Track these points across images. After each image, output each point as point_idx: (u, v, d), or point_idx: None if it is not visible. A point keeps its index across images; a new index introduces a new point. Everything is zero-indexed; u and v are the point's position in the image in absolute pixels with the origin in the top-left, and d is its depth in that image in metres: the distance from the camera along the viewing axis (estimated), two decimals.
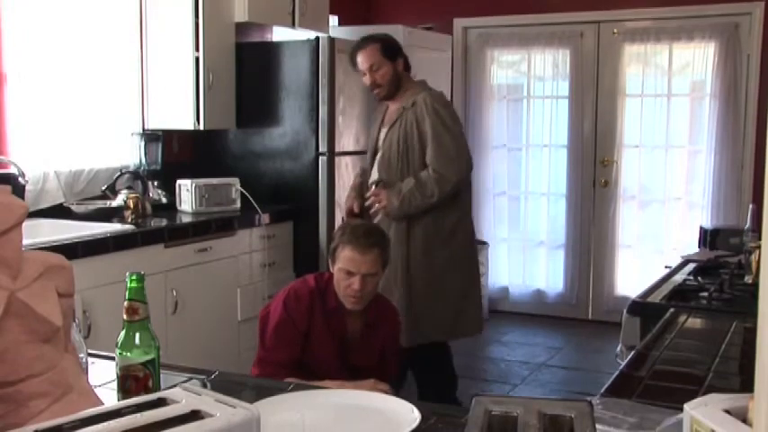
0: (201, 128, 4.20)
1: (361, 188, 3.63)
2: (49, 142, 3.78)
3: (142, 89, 4.24)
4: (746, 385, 1.40)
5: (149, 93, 4.24)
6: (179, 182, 4.05)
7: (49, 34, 3.74)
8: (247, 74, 4.41)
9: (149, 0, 4.18)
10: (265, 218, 4.08)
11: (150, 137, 4.20)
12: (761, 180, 4.93)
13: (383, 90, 3.51)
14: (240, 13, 4.31)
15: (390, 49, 3.50)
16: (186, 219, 3.87)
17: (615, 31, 5.70)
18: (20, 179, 3.39)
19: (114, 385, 1.39)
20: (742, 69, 5.38)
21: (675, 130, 5.60)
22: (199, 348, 3.67)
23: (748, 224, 3.23)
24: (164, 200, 4.14)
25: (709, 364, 1.84)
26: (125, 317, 1.36)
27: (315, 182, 4.30)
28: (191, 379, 1.65)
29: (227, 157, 4.52)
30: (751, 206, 3.34)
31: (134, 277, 1.35)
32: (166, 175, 4.17)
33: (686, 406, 1.12)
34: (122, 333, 1.37)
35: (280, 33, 4.80)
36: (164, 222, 3.72)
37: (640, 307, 2.52)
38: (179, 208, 4.04)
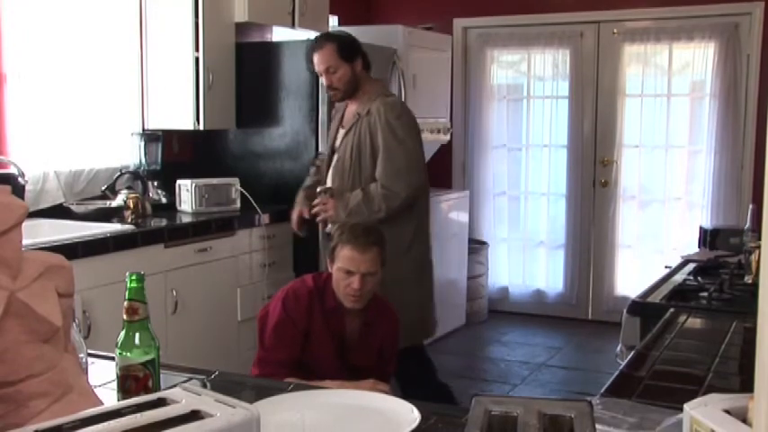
0: (201, 128, 4.19)
1: (312, 192, 3.54)
2: (49, 142, 3.78)
3: (142, 89, 4.24)
4: (746, 385, 1.40)
5: (149, 93, 4.24)
6: (179, 182, 4.05)
7: (49, 34, 3.74)
8: (247, 74, 4.41)
9: (149, 0, 4.18)
10: (265, 218, 4.08)
11: (150, 137, 4.20)
12: (761, 180, 4.92)
13: (339, 93, 3.40)
14: (240, 13, 4.30)
15: (348, 50, 3.37)
16: (186, 219, 3.87)
17: (615, 31, 5.70)
18: (20, 179, 3.39)
19: (114, 385, 1.39)
20: (742, 69, 5.38)
21: (675, 130, 5.60)
22: (199, 348, 3.67)
23: (748, 224, 3.23)
24: (164, 200, 4.14)
25: (709, 364, 1.84)
26: (125, 317, 1.36)
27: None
28: (190, 379, 1.65)
29: (226, 157, 4.52)
30: (751, 206, 3.34)
31: (134, 277, 1.35)
32: (166, 175, 4.17)
33: (686, 406, 1.12)
34: (122, 333, 1.37)
35: (280, 33, 4.79)
36: (164, 222, 3.72)
37: (640, 307, 2.52)
38: (179, 208, 4.04)
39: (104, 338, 2.61)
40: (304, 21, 4.63)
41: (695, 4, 5.41)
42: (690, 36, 5.49)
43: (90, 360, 1.56)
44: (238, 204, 4.10)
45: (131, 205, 3.70)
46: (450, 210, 5.59)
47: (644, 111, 5.67)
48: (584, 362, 5.09)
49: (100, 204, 3.74)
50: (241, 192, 4.10)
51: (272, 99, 4.39)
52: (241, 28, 4.41)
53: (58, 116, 3.83)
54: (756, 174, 5.34)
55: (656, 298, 2.60)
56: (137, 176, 4.07)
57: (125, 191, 3.80)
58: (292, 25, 4.58)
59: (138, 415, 1.02)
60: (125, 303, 1.36)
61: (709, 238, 3.63)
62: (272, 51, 4.41)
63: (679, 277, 2.94)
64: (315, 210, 3.43)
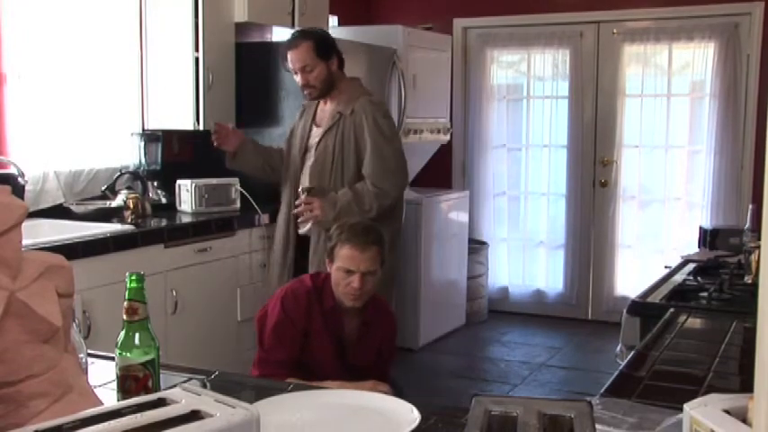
0: (201, 128, 4.19)
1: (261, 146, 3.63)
2: (48, 142, 3.78)
3: (142, 89, 4.24)
4: (746, 385, 1.40)
5: (149, 93, 4.24)
6: (179, 182, 4.05)
7: (49, 34, 3.74)
8: (247, 74, 4.41)
9: (149, 0, 4.18)
10: (265, 218, 4.08)
11: (150, 137, 4.20)
12: (761, 180, 4.92)
13: (315, 91, 3.38)
14: (240, 14, 4.31)
15: (324, 48, 3.34)
16: (186, 219, 3.87)
17: (615, 31, 5.70)
18: (20, 179, 3.39)
19: (114, 385, 1.39)
20: (742, 69, 5.38)
21: (675, 130, 5.60)
22: (199, 348, 3.67)
23: (748, 224, 3.23)
24: (163, 200, 4.14)
25: (708, 364, 1.84)
26: (125, 317, 1.36)
27: None
28: (190, 379, 1.65)
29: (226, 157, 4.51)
30: (751, 206, 3.34)
31: (134, 277, 1.35)
32: (166, 176, 4.17)
33: (686, 406, 1.12)
34: (122, 333, 1.37)
35: (280, 33, 4.79)
36: (163, 222, 3.72)
37: (640, 307, 2.52)
38: (179, 208, 4.04)
39: (104, 338, 2.62)
40: (304, 21, 4.63)
41: (695, 4, 5.41)
42: (690, 36, 5.49)
43: (90, 360, 1.56)
44: (238, 204, 4.10)
45: (131, 205, 3.70)
46: (450, 210, 5.59)
47: (644, 111, 5.67)
48: (584, 362, 5.09)
49: (100, 204, 3.74)
50: (241, 192, 4.10)
51: (272, 99, 4.38)
52: (241, 28, 4.41)
53: (58, 116, 3.83)
54: (756, 174, 5.34)
55: (655, 298, 2.60)
56: (137, 176, 4.07)
57: (125, 191, 3.80)
58: (292, 25, 4.58)
59: (138, 415, 1.02)
60: (125, 303, 1.36)
61: (708, 238, 3.63)
62: (272, 51, 4.41)
63: (679, 277, 2.94)
64: (298, 209, 3.34)
